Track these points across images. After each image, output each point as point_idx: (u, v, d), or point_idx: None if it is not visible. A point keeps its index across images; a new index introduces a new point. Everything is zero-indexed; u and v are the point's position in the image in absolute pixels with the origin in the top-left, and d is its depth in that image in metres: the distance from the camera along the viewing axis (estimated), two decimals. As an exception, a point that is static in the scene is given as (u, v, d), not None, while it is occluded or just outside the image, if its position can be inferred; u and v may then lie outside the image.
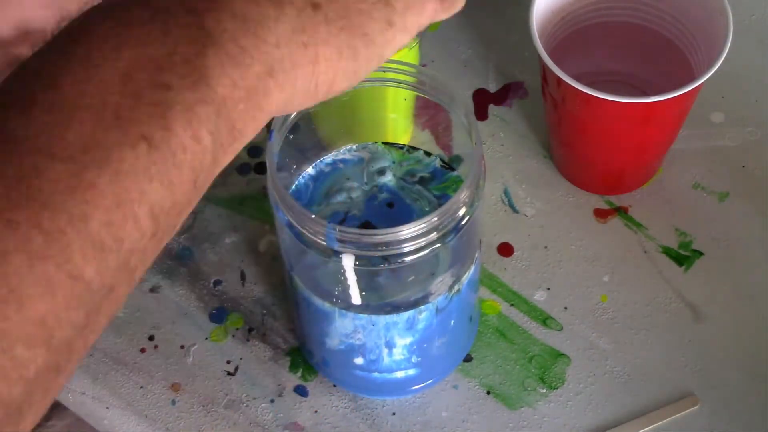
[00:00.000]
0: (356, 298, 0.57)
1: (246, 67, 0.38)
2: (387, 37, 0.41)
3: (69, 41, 0.37)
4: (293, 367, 0.67)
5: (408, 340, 0.61)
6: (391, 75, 0.58)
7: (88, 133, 0.35)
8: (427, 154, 0.62)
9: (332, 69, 0.40)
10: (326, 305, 0.59)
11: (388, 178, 0.61)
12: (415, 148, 0.63)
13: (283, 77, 0.39)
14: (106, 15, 0.38)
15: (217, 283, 0.70)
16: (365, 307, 0.58)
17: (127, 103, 0.36)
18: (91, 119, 0.35)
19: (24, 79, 0.37)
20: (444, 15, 0.44)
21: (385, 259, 0.54)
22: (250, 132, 0.39)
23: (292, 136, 0.59)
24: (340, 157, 0.63)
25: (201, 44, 0.37)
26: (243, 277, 0.70)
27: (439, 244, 0.54)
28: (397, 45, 0.42)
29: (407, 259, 0.54)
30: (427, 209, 0.60)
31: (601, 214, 0.72)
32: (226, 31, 0.38)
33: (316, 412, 0.66)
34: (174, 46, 0.37)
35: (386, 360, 0.62)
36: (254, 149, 0.75)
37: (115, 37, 0.37)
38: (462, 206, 0.55)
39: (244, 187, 0.74)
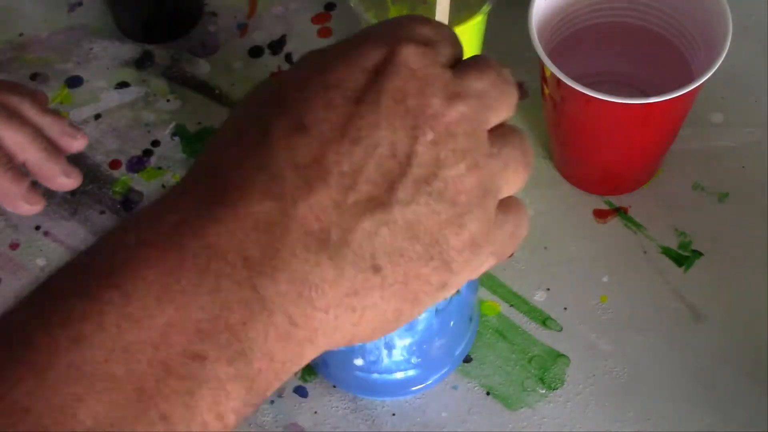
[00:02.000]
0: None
1: (291, 339, 0.35)
2: (436, 298, 0.38)
3: (107, 283, 0.33)
4: (293, 368, 0.67)
5: (407, 340, 0.61)
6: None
7: (103, 412, 0.32)
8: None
9: (371, 328, 0.37)
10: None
11: None
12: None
13: (322, 340, 0.36)
14: (151, 254, 0.34)
15: (216, 283, 0.70)
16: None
17: (155, 373, 0.33)
18: (111, 395, 0.32)
19: (45, 322, 0.33)
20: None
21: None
22: (271, 393, 0.36)
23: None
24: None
25: (250, 310, 0.34)
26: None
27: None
28: (440, 301, 0.41)
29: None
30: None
31: (601, 214, 0.72)
32: (280, 296, 0.34)
33: (316, 413, 0.66)
34: (221, 308, 0.34)
35: (386, 361, 0.63)
36: (254, 150, 0.75)
37: (161, 287, 0.33)
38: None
39: (243, 188, 0.74)
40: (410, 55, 0.37)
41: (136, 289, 0.33)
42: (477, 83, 0.38)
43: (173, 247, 0.34)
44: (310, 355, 0.36)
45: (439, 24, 0.40)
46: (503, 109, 0.39)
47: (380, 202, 0.36)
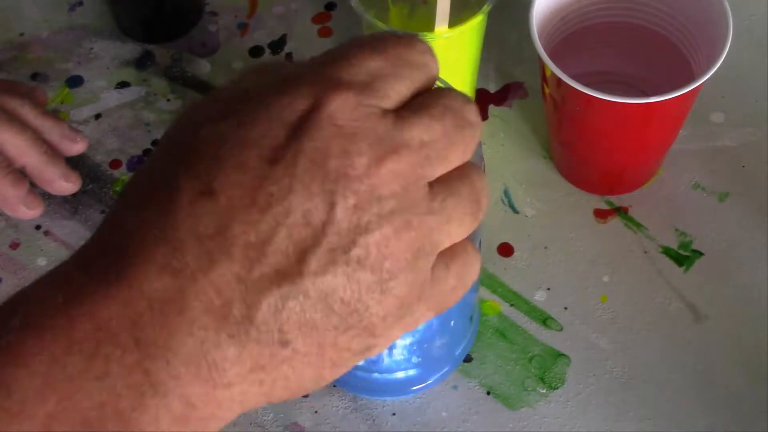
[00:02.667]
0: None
1: (189, 420, 0.33)
2: (362, 359, 0.35)
3: None
4: (293, 368, 0.67)
5: (408, 340, 0.61)
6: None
7: None
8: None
9: (288, 393, 0.35)
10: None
11: None
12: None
13: (228, 414, 0.34)
14: (36, 340, 0.32)
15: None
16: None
17: None
18: None
19: None
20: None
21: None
22: None
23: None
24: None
25: (141, 395, 0.32)
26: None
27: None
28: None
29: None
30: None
31: (601, 214, 0.72)
32: (174, 379, 0.32)
33: (316, 412, 0.66)
34: (109, 394, 0.32)
35: (386, 360, 0.63)
36: (254, 149, 0.75)
37: (45, 376, 0.31)
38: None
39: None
40: (338, 109, 0.34)
41: (18, 380, 0.31)
42: (422, 133, 0.35)
43: (60, 331, 0.32)
44: (216, 426, 0.34)
45: (400, 46, 0.36)
46: (454, 158, 0.36)
47: (289, 274, 0.33)
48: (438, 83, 0.38)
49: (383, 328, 0.35)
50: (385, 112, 0.35)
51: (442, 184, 0.35)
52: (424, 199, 0.34)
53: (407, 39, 0.37)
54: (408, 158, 0.34)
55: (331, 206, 0.33)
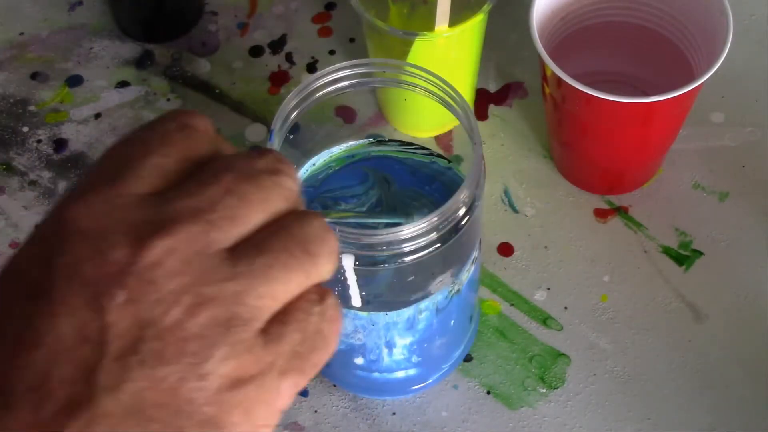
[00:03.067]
0: (356, 299, 0.57)
1: None
2: None
3: None
4: (293, 367, 0.67)
5: (408, 340, 0.61)
6: (390, 75, 0.58)
7: None
8: (429, 153, 0.63)
9: None
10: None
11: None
12: (412, 144, 0.63)
13: None
14: None
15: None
16: (365, 307, 0.58)
17: None
18: None
19: None
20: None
21: (385, 259, 0.54)
22: None
23: (292, 136, 0.59)
24: (337, 155, 0.63)
25: None
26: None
27: (439, 244, 0.54)
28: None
29: (407, 259, 0.54)
30: (425, 208, 0.60)
31: (601, 214, 0.72)
32: None
33: (316, 412, 0.66)
34: None
35: (386, 360, 0.63)
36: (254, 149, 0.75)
37: None
38: (462, 206, 0.55)
39: (244, 187, 0.74)
40: (78, 210, 0.31)
41: None
42: (193, 201, 0.31)
43: None
44: None
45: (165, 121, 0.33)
46: (253, 213, 0.32)
47: (81, 401, 0.29)
48: None
49: (228, 414, 0.30)
50: (141, 196, 0.31)
51: (248, 244, 0.31)
52: (220, 266, 0.31)
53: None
54: (181, 231, 0.30)
55: (100, 311, 0.29)
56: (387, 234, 0.53)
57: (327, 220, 0.35)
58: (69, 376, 0.29)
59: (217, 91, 0.78)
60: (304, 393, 0.66)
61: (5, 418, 0.29)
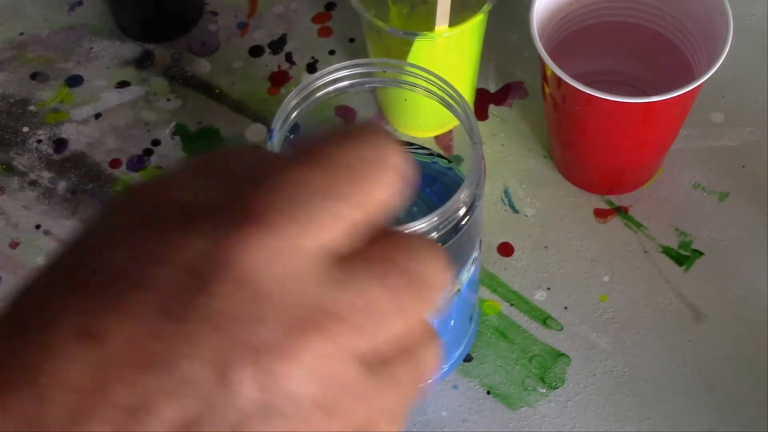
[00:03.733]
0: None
1: None
2: None
3: None
4: (293, 367, 0.67)
5: (408, 340, 0.61)
6: (390, 75, 0.58)
7: None
8: (429, 153, 0.63)
9: None
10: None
11: None
12: (413, 144, 0.63)
13: None
14: None
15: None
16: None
17: None
18: None
19: None
20: None
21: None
22: None
23: (292, 136, 0.59)
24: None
25: None
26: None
27: (439, 244, 0.54)
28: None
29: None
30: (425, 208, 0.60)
31: (601, 214, 0.72)
32: None
33: (316, 412, 0.66)
34: None
35: (386, 360, 0.62)
36: (254, 149, 0.75)
37: None
38: (462, 206, 0.55)
39: (244, 187, 0.74)
40: (253, 260, 0.27)
41: None
42: (356, 296, 0.27)
43: None
44: None
45: (363, 166, 0.28)
46: (398, 325, 0.28)
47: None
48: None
49: None
50: (320, 260, 0.27)
51: (377, 360, 0.28)
52: (357, 379, 0.28)
53: (364, 146, 0.29)
54: (335, 332, 0.27)
55: (223, 376, 0.26)
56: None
57: None
58: (163, 419, 0.26)
59: (217, 91, 0.78)
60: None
61: (85, 426, 0.26)
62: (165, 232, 0.28)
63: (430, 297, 0.29)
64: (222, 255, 0.27)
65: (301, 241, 0.27)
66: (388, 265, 0.28)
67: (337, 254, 0.28)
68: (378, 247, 0.28)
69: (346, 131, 0.29)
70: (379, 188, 0.28)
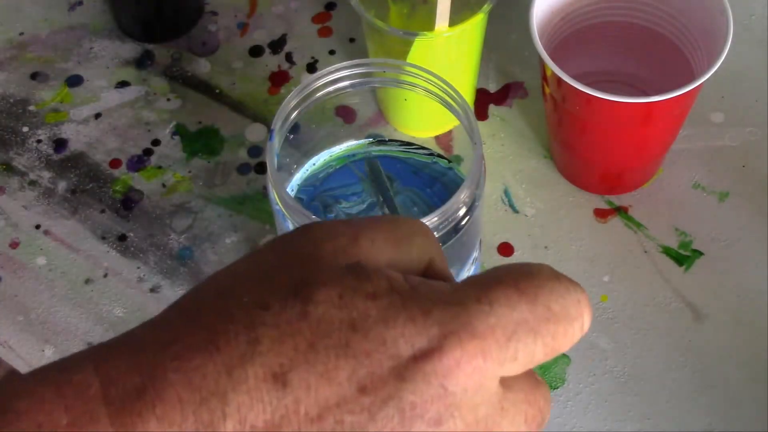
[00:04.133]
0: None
1: None
2: None
3: None
4: (293, 367, 0.67)
5: (408, 340, 0.61)
6: (390, 75, 0.58)
7: None
8: (429, 153, 0.63)
9: None
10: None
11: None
12: (413, 144, 0.63)
13: None
14: None
15: (217, 283, 0.70)
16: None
17: None
18: None
19: None
20: None
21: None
22: None
23: (292, 136, 0.59)
24: (337, 155, 0.63)
25: None
26: (243, 277, 0.70)
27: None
28: None
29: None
30: (425, 207, 0.60)
31: (601, 214, 0.72)
32: None
33: (316, 412, 0.66)
34: None
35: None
36: (254, 149, 0.75)
37: None
38: (462, 206, 0.55)
39: (244, 187, 0.74)
40: (454, 370, 0.29)
41: None
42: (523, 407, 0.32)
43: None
44: None
45: (555, 292, 0.32)
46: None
47: None
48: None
49: None
50: (502, 380, 0.30)
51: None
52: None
53: (566, 283, 0.32)
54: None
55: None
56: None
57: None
58: None
59: (217, 91, 0.78)
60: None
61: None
62: (384, 317, 0.29)
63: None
64: (431, 359, 0.29)
65: (499, 371, 0.30)
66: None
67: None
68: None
69: (556, 275, 0.33)
70: (567, 343, 0.31)
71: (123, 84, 0.79)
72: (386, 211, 0.61)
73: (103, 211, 0.73)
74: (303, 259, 0.31)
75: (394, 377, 0.29)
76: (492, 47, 0.77)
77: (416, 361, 0.29)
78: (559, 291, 0.32)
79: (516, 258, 0.70)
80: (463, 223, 0.55)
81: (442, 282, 0.32)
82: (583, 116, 0.66)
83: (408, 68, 0.58)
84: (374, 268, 0.30)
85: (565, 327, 0.31)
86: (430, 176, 0.62)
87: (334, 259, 0.31)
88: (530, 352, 0.30)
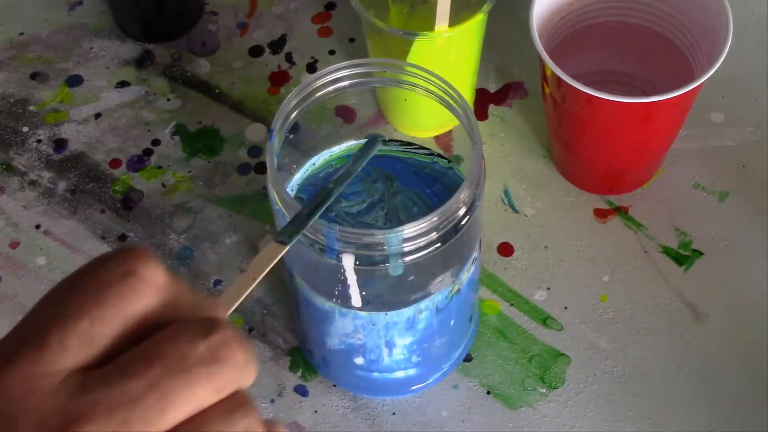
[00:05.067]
0: (356, 298, 0.57)
1: None
2: None
3: None
4: (293, 367, 0.67)
5: (408, 339, 0.61)
6: (390, 75, 0.58)
7: None
8: (429, 153, 0.63)
9: None
10: (326, 305, 0.59)
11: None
12: (413, 144, 0.63)
13: None
14: None
15: (217, 282, 0.70)
16: (365, 307, 0.58)
17: None
18: None
19: None
20: None
21: (385, 259, 0.54)
22: None
23: (292, 136, 0.59)
24: (337, 155, 0.63)
25: None
26: (243, 277, 0.70)
27: (439, 244, 0.54)
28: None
29: (407, 259, 0.54)
30: (424, 207, 0.60)
31: (601, 214, 0.72)
32: None
33: (316, 411, 0.66)
34: None
35: (386, 360, 0.63)
36: (254, 149, 0.75)
37: None
38: (462, 206, 0.55)
39: (244, 187, 0.74)
40: None
41: None
42: (110, 391, 0.28)
43: None
44: None
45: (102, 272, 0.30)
46: (173, 414, 0.29)
47: None
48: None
49: None
50: (64, 375, 0.29)
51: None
52: None
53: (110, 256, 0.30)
54: (91, 429, 0.28)
55: None
56: (387, 234, 0.53)
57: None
58: None
59: (217, 91, 0.78)
60: (304, 393, 0.66)
61: None
62: None
63: (224, 371, 0.29)
64: None
65: (41, 368, 0.28)
66: (146, 356, 0.29)
67: (88, 363, 0.29)
68: (139, 345, 0.29)
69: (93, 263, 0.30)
70: (114, 295, 0.30)
71: (123, 84, 0.79)
72: (386, 211, 0.61)
73: (103, 211, 0.73)
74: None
75: None
76: (492, 47, 0.77)
77: None
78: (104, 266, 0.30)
79: (516, 258, 0.70)
80: (463, 222, 0.55)
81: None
82: (583, 116, 0.66)
83: (408, 68, 0.58)
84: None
85: (120, 298, 0.30)
86: (430, 176, 0.62)
87: None
88: (96, 335, 0.29)
